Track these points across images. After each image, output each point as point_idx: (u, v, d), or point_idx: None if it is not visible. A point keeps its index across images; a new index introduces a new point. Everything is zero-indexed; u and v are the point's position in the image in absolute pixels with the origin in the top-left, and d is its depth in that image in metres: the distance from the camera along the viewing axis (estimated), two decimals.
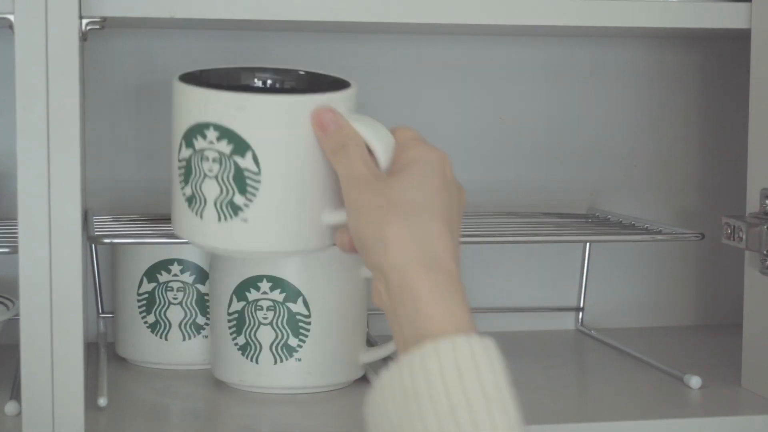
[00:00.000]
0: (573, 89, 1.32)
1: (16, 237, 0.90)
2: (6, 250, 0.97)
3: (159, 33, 1.23)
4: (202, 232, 0.86)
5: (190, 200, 0.85)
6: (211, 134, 0.84)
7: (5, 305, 1.10)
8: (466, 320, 0.73)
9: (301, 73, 0.89)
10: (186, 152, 0.85)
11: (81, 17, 0.91)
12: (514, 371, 1.14)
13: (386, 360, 1.15)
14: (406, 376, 0.69)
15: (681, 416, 1.01)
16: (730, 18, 1.05)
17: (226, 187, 0.84)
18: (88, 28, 0.93)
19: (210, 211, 0.84)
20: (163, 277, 1.13)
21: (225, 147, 0.83)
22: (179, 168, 0.86)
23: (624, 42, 1.33)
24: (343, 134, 0.81)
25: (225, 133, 0.83)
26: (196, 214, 0.85)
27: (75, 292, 0.90)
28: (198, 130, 0.84)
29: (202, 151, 0.84)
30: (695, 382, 1.08)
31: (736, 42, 1.29)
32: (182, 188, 0.86)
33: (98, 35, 1.14)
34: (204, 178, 0.84)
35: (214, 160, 0.84)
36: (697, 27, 1.06)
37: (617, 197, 1.34)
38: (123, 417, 0.99)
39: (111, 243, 1.01)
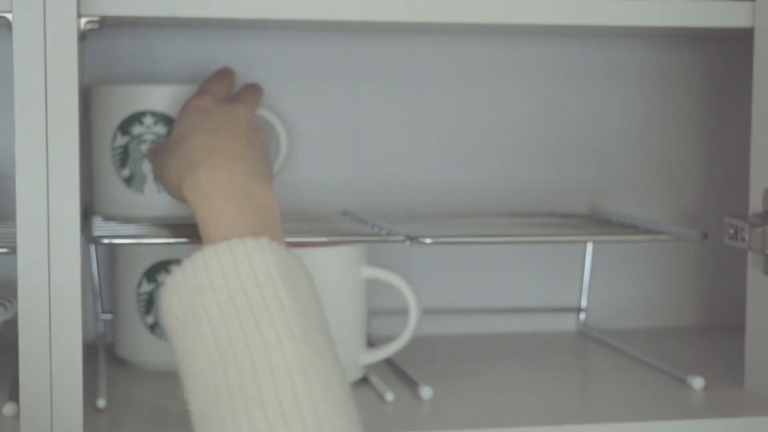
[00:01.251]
0: (575, 89, 1.32)
1: (14, 237, 0.90)
2: (5, 250, 0.97)
3: (158, 32, 1.23)
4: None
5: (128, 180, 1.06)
6: (149, 120, 1.06)
7: (4, 306, 1.09)
8: (239, 224, 0.83)
9: None
10: (122, 140, 1.06)
11: (79, 16, 0.91)
12: (515, 372, 1.14)
13: (387, 360, 1.15)
14: (190, 275, 0.79)
15: (683, 417, 1.00)
16: (734, 17, 1.05)
17: None
18: (87, 27, 0.93)
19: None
20: (163, 277, 1.12)
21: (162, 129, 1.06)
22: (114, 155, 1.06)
23: (627, 41, 1.32)
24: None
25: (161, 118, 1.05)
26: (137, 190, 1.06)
27: (74, 292, 0.90)
28: (135, 118, 1.05)
29: (139, 135, 1.06)
30: (698, 383, 1.07)
31: (740, 41, 1.29)
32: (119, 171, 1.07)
33: (97, 34, 1.14)
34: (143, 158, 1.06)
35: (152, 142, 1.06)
36: (700, 26, 1.05)
37: (619, 197, 1.34)
38: (122, 418, 0.99)
39: (110, 243, 1.00)
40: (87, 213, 1.10)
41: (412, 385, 1.07)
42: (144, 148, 1.06)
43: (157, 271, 1.13)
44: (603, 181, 1.33)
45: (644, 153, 1.34)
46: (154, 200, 1.07)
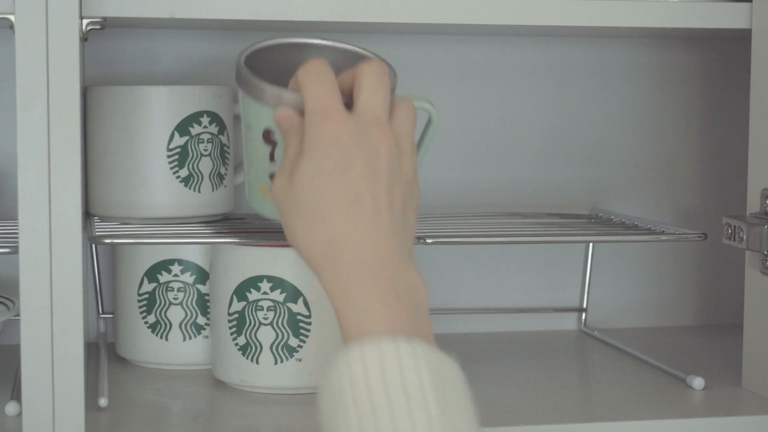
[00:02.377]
0: (574, 89, 1.32)
1: (16, 237, 0.90)
2: (6, 250, 0.97)
3: (159, 33, 1.23)
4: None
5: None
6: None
7: (6, 305, 1.10)
8: (390, 325, 0.72)
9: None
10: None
11: (81, 17, 0.91)
12: (516, 371, 1.15)
13: None
14: (335, 378, 0.69)
15: (682, 417, 1.00)
16: (731, 18, 1.05)
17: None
18: (89, 28, 0.93)
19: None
20: (164, 277, 1.13)
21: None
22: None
23: (625, 42, 1.33)
24: (292, 122, 0.80)
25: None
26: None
27: (75, 292, 0.91)
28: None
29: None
30: (698, 383, 1.08)
31: (737, 42, 1.29)
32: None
33: (98, 35, 1.15)
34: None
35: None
36: (698, 27, 1.06)
37: (619, 197, 1.34)
38: (123, 417, 0.99)
39: (111, 243, 1.01)
40: (88, 213, 1.11)
41: None
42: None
43: (157, 270, 1.13)
44: (603, 181, 1.34)
45: (643, 153, 1.35)
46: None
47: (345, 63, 0.85)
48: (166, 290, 1.13)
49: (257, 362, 1.04)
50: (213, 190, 1.10)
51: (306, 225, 0.75)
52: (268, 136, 0.85)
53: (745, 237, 1.02)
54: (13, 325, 1.08)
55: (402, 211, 0.78)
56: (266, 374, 1.04)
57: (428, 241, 1.04)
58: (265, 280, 1.04)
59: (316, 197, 0.75)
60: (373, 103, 0.79)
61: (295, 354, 1.04)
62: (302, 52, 0.88)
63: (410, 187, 0.80)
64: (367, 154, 0.76)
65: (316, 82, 0.78)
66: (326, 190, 0.75)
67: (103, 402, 0.99)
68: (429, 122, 0.96)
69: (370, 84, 0.79)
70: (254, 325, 1.04)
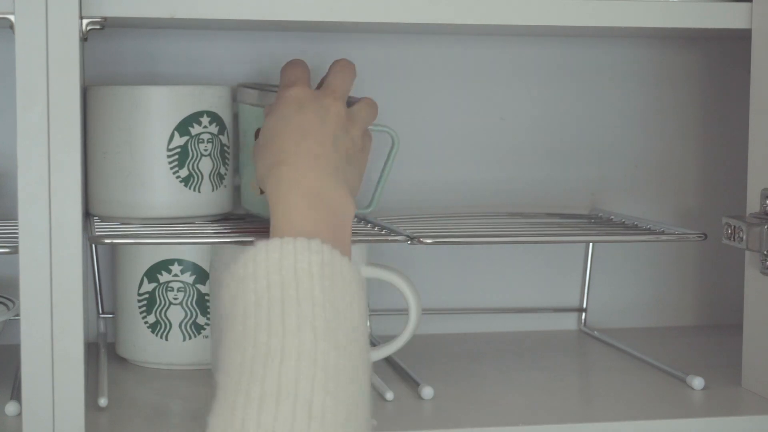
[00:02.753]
0: (574, 89, 1.32)
1: (16, 237, 0.90)
2: (6, 250, 0.97)
3: (159, 33, 1.23)
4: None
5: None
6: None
7: (6, 305, 1.10)
8: (306, 224, 0.88)
9: None
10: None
11: (81, 17, 0.91)
12: (516, 371, 1.15)
13: (388, 359, 1.15)
14: (240, 267, 0.82)
15: (682, 417, 1.01)
16: (731, 18, 1.05)
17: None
18: (89, 28, 0.93)
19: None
20: (164, 277, 1.13)
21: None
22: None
23: (625, 42, 1.33)
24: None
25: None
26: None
27: (75, 292, 0.91)
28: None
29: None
30: (698, 383, 1.08)
31: (737, 42, 1.29)
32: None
33: (98, 35, 1.15)
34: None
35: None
36: (698, 27, 1.06)
37: (619, 197, 1.34)
38: (123, 417, 0.99)
39: (111, 243, 1.01)
40: (88, 213, 1.11)
41: (412, 384, 1.07)
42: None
43: (157, 270, 1.13)
44: (603, 181, 1.34)
45: (644, 153, 1.35)
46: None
47: None
48: (166, 290, 1.13)
49: None
50: (213, 190, 1.10)
51: (262, 149, 0.94)
52: (258, 135, 1.02)
53: (744, 237, 1.02)
54: (13, 325, 1.08)
55: (344, 164, 0.95)
56: None
57: (428, 241, 1.04)
58: None
59: (273, 131, 0.95)
60: (333, 81, 0.99)
61: None
62: None
63: (354, 150, 0.97)
64: (319, 109, 0.96)
65: (290, 67, 1.01)
66: (281, 126, 0.94)
67: (102, 402, 0.99)
68: (393, 145, 1.12)
69: (335, 71, 1.01)
70: None
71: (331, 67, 1.02)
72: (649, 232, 1.14)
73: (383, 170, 1.14)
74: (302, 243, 0.83)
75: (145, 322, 1.14)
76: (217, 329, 0.82)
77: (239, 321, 0.80)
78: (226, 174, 1.11)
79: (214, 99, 1.10)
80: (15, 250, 0.91)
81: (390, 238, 1.05)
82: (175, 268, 1.13)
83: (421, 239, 1.04)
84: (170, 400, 1.06)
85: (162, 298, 1.13)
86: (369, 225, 1.13)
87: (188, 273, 1.13)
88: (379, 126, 1.15)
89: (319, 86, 1.01)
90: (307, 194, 0.90)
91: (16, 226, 0.90)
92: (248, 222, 1.14)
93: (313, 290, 0.80)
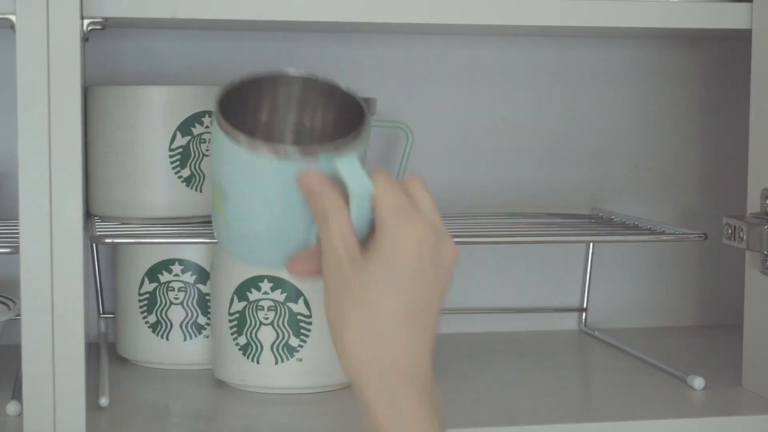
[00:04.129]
0: (575, 89, 1.32)
1: (17, 237, 0.90)
2: (7, 250, 0.97)
3: (160, 33, 1.23)
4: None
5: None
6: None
7: (7, 305, 1.10)
8: (423, 429, 0.72)
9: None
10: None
11: (82, 18, 0.91)
12: (517, 371, 1.15)
13: None
14: None
15: (682, 416, 1.01)
16: (731, 18, 1.05)
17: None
18: (90, 28, 0.93)
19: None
20: (165, 277, 1.13)
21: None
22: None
23: (625, 42, 1.33)
24: (326, 202, 0.74)
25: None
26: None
27: (76, 292, 0.91)
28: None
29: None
30: (698, 383, 1.08)
31: (737, 42, 1.29)
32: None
33: (99, 35, 1.15)
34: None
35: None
36: (699, 27, 1.06)
37: (619, 197, 1.34)
38: (124, 417, 0.99)
39: (112, 243, 1.01)
40: (88, 213, 1.11)
41: None
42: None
43: (158, 270, 1.13)
44: (603, 181, 1.34)
45: (643, 153, 1.35)
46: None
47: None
48: (167, 290, 1.13)
49: (258, 362, 1.05)
50: None
51: (360, 323, 0.73)
52: None
53: (745, 237, 1.02)
54: (14, 325, 1.08)
55: (435, 317, 0.77)
56: (267, 374, 1.05)
57: None
58: (265, 280, 1.04)
59: (382, 303, 0.73)
60: (434, 211, 0.77)
61: (295, 354, 1.04)
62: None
63: (441, 300, 0.77)
64: (437, 268, 0.75)
65: (386, 178, 0.75)
66: (394, 298, 0.73)
67: (103, 402, 0.99)
68: (407, 140, 1.14)
69: (422, 194, 0.77)
70: (255, 324, 1.04)
71: (406, 181, 0.77)
72: (650, 232, 1.14)
73: (401, 165, 1.14)
74: None
75: (146, 322, 1.14)
76: None
77: None
78: None
79: None
80: (16, 250, 0.91)
81: None
82: (176, 268, 1.13)
83: None
84: (171, 399, 1.06)
85: (163, 298, 1.13)
86: None
87: (189, 273, 1.13)
88: (390, 122, 1.15)
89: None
90: (422, 397, 0.72)
91: (17, 226, 0.90)
92: None
93: None
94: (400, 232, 0.73)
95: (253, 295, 1.04)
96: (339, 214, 0.74)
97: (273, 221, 0.78)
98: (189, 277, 1.13)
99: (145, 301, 1.14)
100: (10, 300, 1.10)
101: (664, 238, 1.13)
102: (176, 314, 1.13)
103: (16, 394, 0.99)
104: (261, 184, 0.76)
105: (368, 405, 0.72)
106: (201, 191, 1.09)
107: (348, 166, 0.74)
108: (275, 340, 1.04)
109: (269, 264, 0.81)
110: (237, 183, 0.78)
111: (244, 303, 1.05)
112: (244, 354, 1.05)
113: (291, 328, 1.04)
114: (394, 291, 0.73)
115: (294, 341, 1.04)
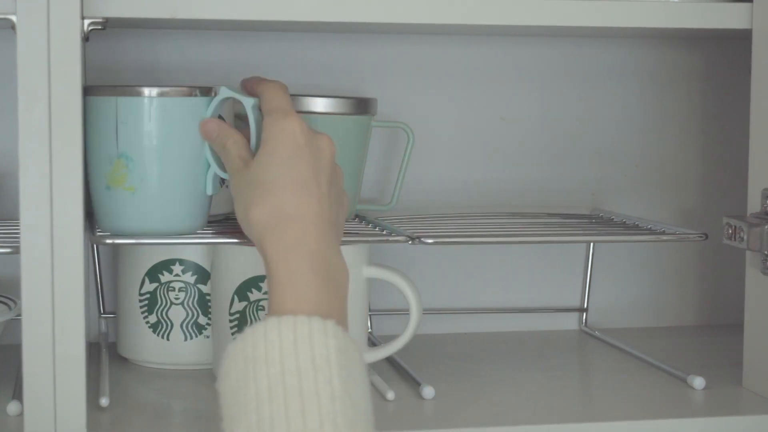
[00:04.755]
0: (575, 89, 1.32)
1: (18, 237, 0.90)
2: (8, 250, 0.97)
3: (160, 33, 1.23)
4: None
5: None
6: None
7: (7, 305, 1.10)
8: (311, 294, 0.82)
9: None
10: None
11: (83, 18, 0.91)
12: (517, 371, 1.15)
13: (388, 359, 1.15)
14: (249, 345, 0.77)
15: (683, 416, 1.01)
16: (732, 18, 1.05)
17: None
18: (90, 28, 0.93)
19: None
20: (165, 277, 1.13)
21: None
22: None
23: (626, 42, 1.33)
24: (223, 135, 0.94)
25: None
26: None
27: (77, 292, 0.91)
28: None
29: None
30: (699, 383, 1.08)
31: (738, 42, 1.29)
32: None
33: (100, 35, 1.15)
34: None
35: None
36: (699, 27, 1.06)
37: (619, 197, 1.34)
38: (125, 417, 0.99)
39: (113, 243, 1.01)
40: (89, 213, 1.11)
41: (413, 384, 1.07)
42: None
43: (159, 270, 1.13)
44: (603, 181, 1.34)
45: (644, 153, 1.35)
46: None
47: None
48: (168, 290, 1.13)
49: None
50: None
51: (258, 198, 0.86)
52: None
53: (745, 237, 1.02)
54: (15, 325, 1.08)
55: (336, 209, 0.89)
56: None
57: (428, 241, 1.04)
58: (266, 280, 1.04)
59: (271, 177, 0.87)
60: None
61: None
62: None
63: (340, 196, 0.91)
64: (315, 152, 0.88)
65: (272, 88, 0.93)
66: (280, 172, 0.87)
67: (104, 402, 0.99)
68: (408, 140, 1.18)
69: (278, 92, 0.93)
70: None
71: (272, 84, 0.94)
72: (650, 232, 1.14)
73: (402, 166, 1.15)
74: (318, 324, 0.78)
75: (147, 322, 1.14)
76: (225, 404, 0.79)
77: (252, 409, 0.74)
78: None
79: None
80: (16, 250, 0.91)
81: (391, 238, 1.05)
82: (177, 268, 1.13)
83: (422, 239, 1.04)
84: (171, 399, 1.06)
85: (163, 298, 1.13)
86: (370, 225, 1.13)
87: (189, 273, 1.13)
88: (391, 122, 1.16)
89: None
90: (314, 260, 0.83)
91: (18, 226, 0.90)
92: None
93: (332, 381, 0.75)
94: (276, 125, 0.89)
95: (254, 295, 1.04)
96: (235, 140, 0.93)
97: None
98: (189, 277, 1.13)
99: (146, 301, 1.14)
100: (11, 300, 1.10)
101: (665, 238, 1.13)
102: (177, 314, 1.13)
103: (17, 394, 0.99)
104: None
105: (268, 263, 0.84)
106: None
107: (231, 92, 0.96)
108: None
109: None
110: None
111: (244, 303, 1.05)
112: None
113: None
114: (277, 166, 0.87)
115: None
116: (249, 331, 0.78)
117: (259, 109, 0.95)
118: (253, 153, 0.92)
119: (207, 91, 0.98)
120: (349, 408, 0.75)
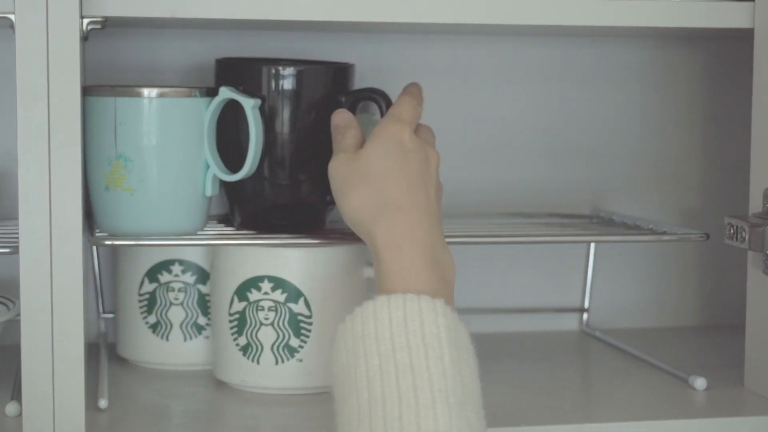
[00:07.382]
0: (576, 89, 1.32)
1: (17, 237, 0.90)
2: (7, 250, 0.97)
3: (160, 33, 1.23)
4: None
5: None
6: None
7: (6, 306, 1.10)
8: (422, 281, 0.83)
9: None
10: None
11: (82, 17, 0.91)
12: (517, 371, 1.14)
13: None
14: (358, 324, 0.79)
15: (684, 417, 1.00)
16: (733, 17, 1.05)
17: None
18: (89, 27, 0.93)
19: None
20: (164, 277, 1.13)
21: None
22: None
23: (627, 42, 1.32)
24: (348, 120, 0.97)
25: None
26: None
27: (76, 292, 0.91)
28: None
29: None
30: (700, 383, 1.08)
31: (740, 41, 1.29)
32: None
33: (99, 35, 1.14)
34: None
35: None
36: (700, 27, 1.05)
37: (620, 197, 1.34)
38: (124, 417, 0.99)
39: (112, 245, 1.01)
40: (88, 213, 1.11)
41: None
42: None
43: (158, 270, 1.13)
44: (603, 181, 1.34)
45: (644, 153, 1.34)
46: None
47: None
48: (167, 290, 1.13)
49: (258, 362, 1.04)
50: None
51: (368, 188, 0.88)
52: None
53: (747, 237, 1.02)
54: (14, 325, 1.08)
55: (439, 213, 0.91)
56: (267, 374, 1.04)
57: None
58: (266, 280, 1.04)
59: (382, 168, 0.89)
60: (426, 131, 0.97)
61: (296, 354, 1.04)
62: None
63: (441, 205, 0.94)
64: (423, 159, 0.92)
65: (406, 97, 0.96)
66: (391, 165, 0.89)
67: (103, 403, 0.99)
68: None
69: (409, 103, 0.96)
70: (255, 325, 1.04)
71: (408, 97, 0.97)
72: (651, 232, 1.14)
73: None
74: (427, 302, 0.79)
75: (146, 323, 1.14)
76: (336, 383, 0.80)
77: (363, 386, 0.75)
78: None
79: None
80: (15, 251, 0.91)
81: None
82: (176, 269, 1.13)
83: None
84: (171, 400, 1.06)
85: (163, 299, 1.13)
86: None
87: (189, 273, 1.12)
88: None
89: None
90: (423, 247, 0.85)
91: (17, 226, 0.90)
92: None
93: (443, 358, 0.76)
94: (388, 127, 0.92)
95: (254, 295, 1.04)
96: (356, 128, 0.96)
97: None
98: (189, 278, 1.12)
99: (145, 302, 1.13)
100: (10, 300, 1.10)
101: (666, 238, 1.13)
102: (176, 315, 1.13)
103: (16, 395, 0.99)
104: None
105: (378, 250, 0.85)
106: None
107: (232, 92, 0.99)
108: (275, 341, 1.04)
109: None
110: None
111: (244, 303, 1.04)
112: (244, 354, 1.05)
113: (291, 329, 1.04)
114: (387, 160, 0.89)
115: (294, 342, 1.04)
116: (358, 310, 0.79)
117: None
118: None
119: (207, 92, 0.98)
120: (459, 386, 0.75)
